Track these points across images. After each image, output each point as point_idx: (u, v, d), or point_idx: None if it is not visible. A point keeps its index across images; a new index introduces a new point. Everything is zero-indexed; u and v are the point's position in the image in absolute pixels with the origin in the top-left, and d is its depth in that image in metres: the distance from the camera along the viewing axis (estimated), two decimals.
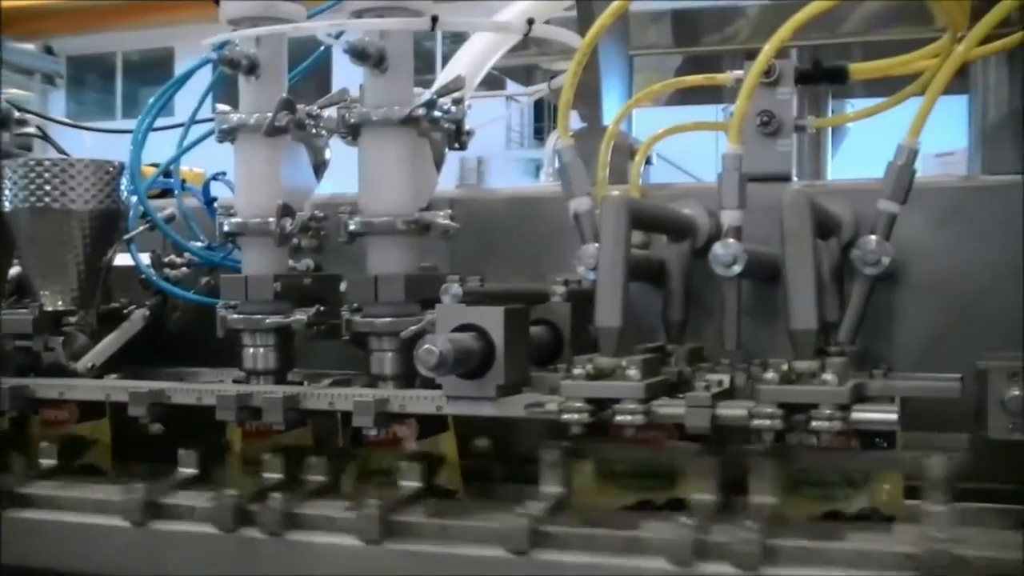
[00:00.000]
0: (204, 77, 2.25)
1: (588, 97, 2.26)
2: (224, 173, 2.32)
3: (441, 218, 1.88)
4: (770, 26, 1.70)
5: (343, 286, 1.98)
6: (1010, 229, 1.90)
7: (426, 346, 1.57)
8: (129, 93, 21.18)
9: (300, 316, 1.93)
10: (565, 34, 2.02)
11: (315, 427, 1.94)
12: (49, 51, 13.67)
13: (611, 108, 2.25)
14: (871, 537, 1.58)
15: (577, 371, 1.59)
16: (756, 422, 1.50)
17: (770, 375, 1.51)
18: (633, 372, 1.57)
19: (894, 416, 1.52)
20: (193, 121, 2.22)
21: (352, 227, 1.89)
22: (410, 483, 1.81)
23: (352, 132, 1.90)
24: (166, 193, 2.42)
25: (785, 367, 1.52)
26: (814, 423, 1.48)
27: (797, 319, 1.54)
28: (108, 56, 22.07)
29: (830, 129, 2.97)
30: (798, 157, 3.15)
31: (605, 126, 2.09)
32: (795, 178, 2.20)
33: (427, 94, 1.85)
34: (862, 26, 2.88)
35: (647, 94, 2.24)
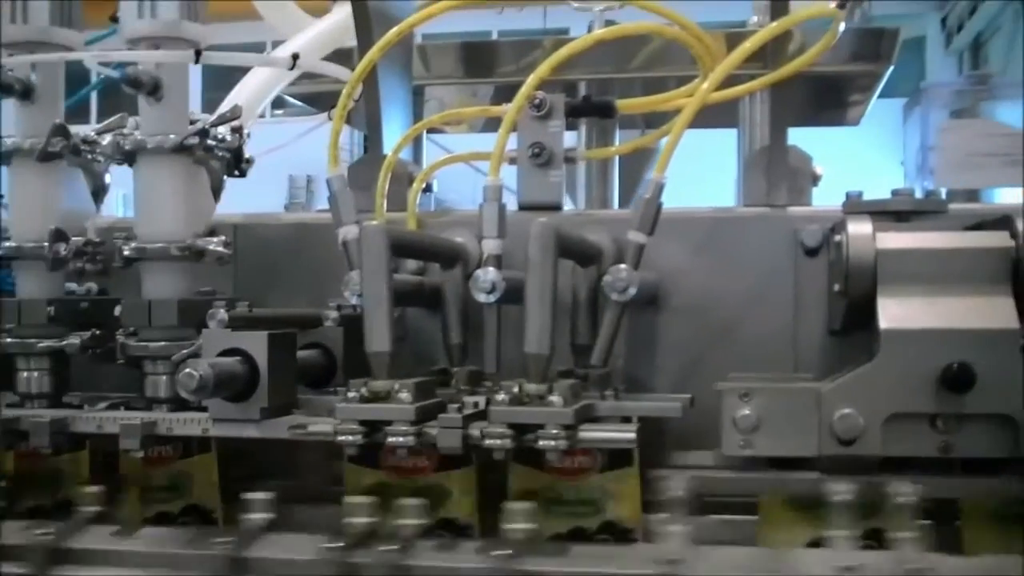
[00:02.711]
0: None
1: (370, 126, 2.31)
2: (2, 196, 2.29)
3: (215, 245, 1.91)
4: None
5: (118, 310, 1.99)
6: (760, 257, 2.04)
7: (187, 370, 1.60)
8: None
9: (74, 340, 1.94)
10: (333, 68, 2.07)
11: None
12: None
13: (393, 137, 2.31)
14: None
15: (352, 394, 1.66)
16: (488, 442, 1.58)
17: (501, 396, 1.60)
18: (405, 395, 1.63)
19: (629, 435, 1.62)
20: None
21: (127, 252, 1.91)
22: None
23: (128, 159, 1.91)
24: None
25: (517, 389, 1.61)
26: (541, 442, 1.57)
27: (531, 344, 1.62)
28: None
29: (617, 159, 3.10)
30: (587, 187, 3.29)
31: (385, 154, 2.15)
32: (574, 206, 2.29)
33: (200, 123, 1.89)
34: (648, 63, 3.01)
35: (424, 124, 2.30)
